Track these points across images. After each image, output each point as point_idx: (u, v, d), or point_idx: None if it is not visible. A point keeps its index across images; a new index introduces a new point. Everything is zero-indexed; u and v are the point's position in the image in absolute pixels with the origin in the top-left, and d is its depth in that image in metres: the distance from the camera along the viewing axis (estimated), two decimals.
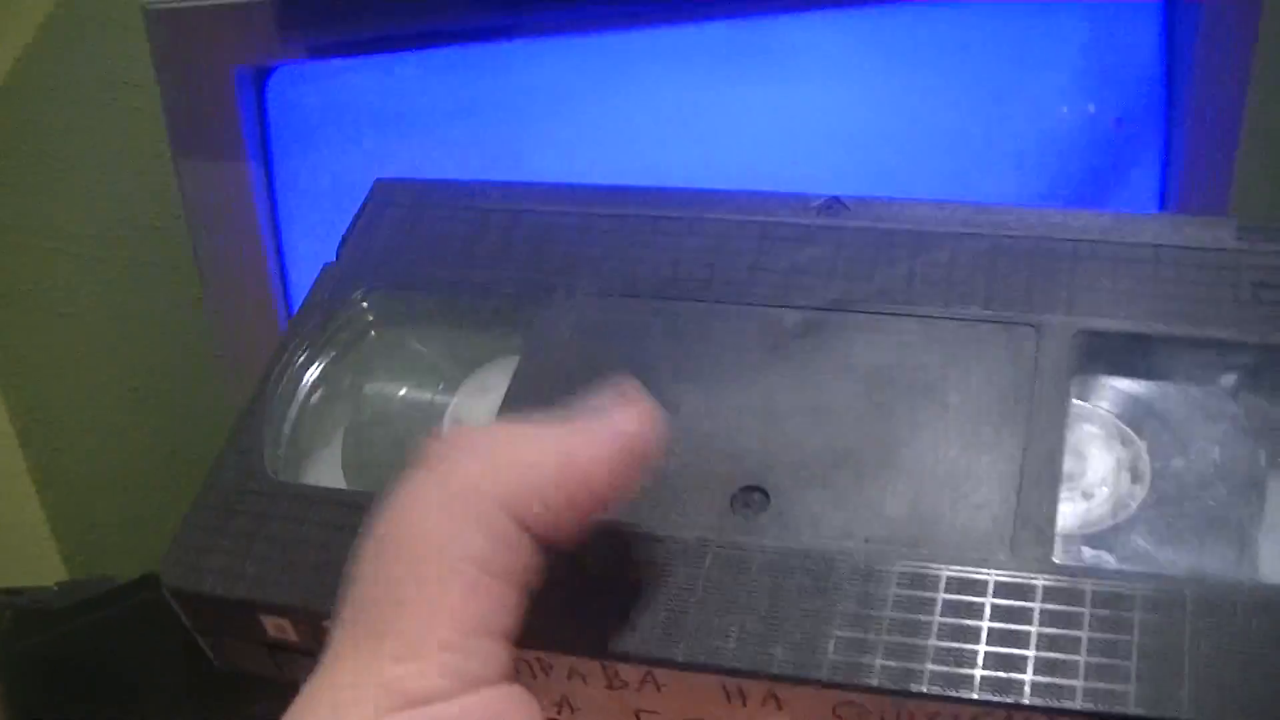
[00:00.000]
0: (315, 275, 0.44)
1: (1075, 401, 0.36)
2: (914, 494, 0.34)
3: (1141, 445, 0.36)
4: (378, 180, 0.47)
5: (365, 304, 0.43)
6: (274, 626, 0.37)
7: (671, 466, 0.36)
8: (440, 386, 0.42)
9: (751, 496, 0.35)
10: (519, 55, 0.65)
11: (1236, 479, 0.35)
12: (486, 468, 0.29)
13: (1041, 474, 0.34)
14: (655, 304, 0.40)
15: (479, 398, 0.41)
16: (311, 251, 0.47)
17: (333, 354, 0.42)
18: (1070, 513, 0.35)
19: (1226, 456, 0.35)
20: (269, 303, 0.68)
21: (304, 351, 0.42)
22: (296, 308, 0.44)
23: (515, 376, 0.39)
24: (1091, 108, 0.70)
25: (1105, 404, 0.37)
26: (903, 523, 0.34)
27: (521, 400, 0.38)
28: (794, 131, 0.68)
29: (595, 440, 0.30)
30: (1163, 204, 0.71)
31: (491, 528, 0.28)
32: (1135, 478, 0.35)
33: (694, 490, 0.36)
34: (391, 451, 0.40)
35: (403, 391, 0.42)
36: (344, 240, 0.45)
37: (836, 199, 0.42)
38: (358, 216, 0.46)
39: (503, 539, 0.28)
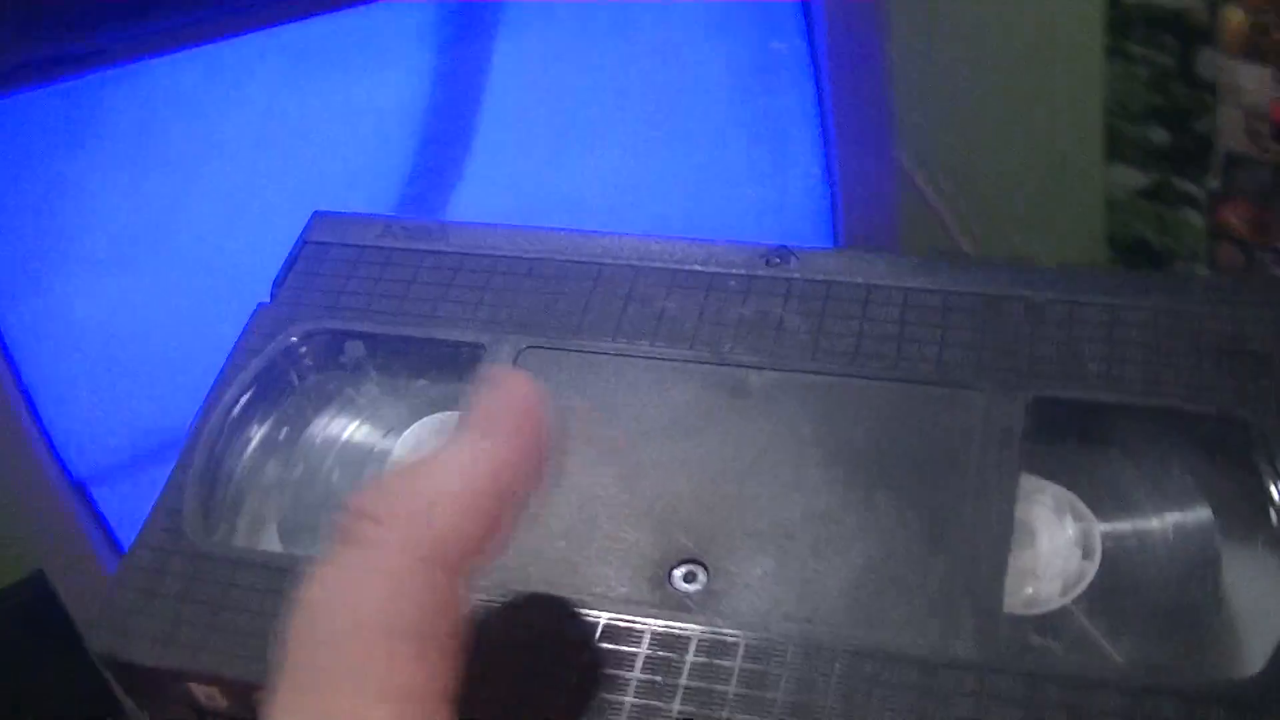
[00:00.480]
0: None
1: (1024, 474, 0.36)
2: (857, 570, 0.34)
3: (1093, 519, 0.35)
4: (315, 214, 0.46)
5: (302, 349, 0.42)
6: (204, 694, 0.35)
7: (605, 534, 0.35)
8: (378, 440, 0.40)
9: (689, 570, 0.34)
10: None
11: (1191, 556, 0.34)
12: (405, 531, 0.28)
13: (990, 551, 0.33)
14: (598, 357, 0.39)
15: (424, 443, 0.39)
16: None
17: (267, 403, 0.41)
18: (1018, 592, 0.34)
19: (1180, 532, 0.35)
20: None
21: (237, 399, 0.40)
22: None
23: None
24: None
25: (1055, 474, 0.36)
26: (844, 604, 0.33)
27: None
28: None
29: (499, 456, 0.29)
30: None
31: (418, 591, 0.28)
32: (1086, 554, 0.35)
33: (629, 560, 0.35)
34: (327, 512, 0.39)
35: (338, 447, 0.40)
36: (279, 278, 0.44)
37: (785, 248, 0.41)
38: (294, 253, 0.44)
39: (431, 599, 0.28)
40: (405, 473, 0.29)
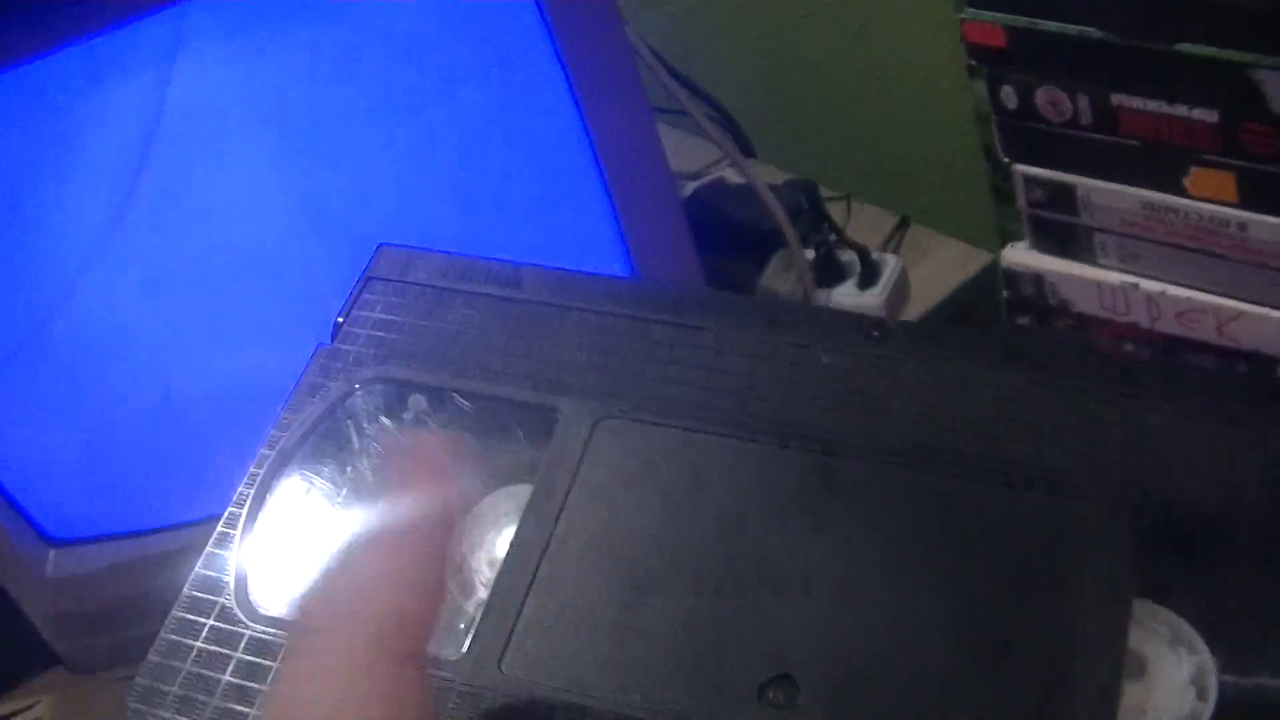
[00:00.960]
0: None
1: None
2: (943, 696, 0.31)
3: (1206, 653, 0.33)
4: (380, 246, 0.43)
5: (362, 399, 0.39)
6: None
7: (691, 647, 0.33)
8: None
9: (781, 686, 0.32)
10: None
11: None
12: (343, 632, 0.28)
13: (1108, 686, 0.31)
14: (678, 434, 0.37)
15: (489, 528, 0.37)
16: None
17: (322, 457, 0.38)
18: None
19: None
20: None
21: (288, 453, 0.38)
22: None
23: (527, 511, 0.36)
24: None
25: (1169, 598, 0.34)
26: None
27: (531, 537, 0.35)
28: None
29: (430, 534, 0.30)
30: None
31: (382, 683, 0.28)
32: (1200, 694, 0.32)
33: (717, 677, 0.32)
34: None
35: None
36: (340, 318, 0.41)
37: (882, 323, 0.38)
38: (356, 291, 0.42)
39: (396, 690, 0.28)
40: (340, 572, 0.30)
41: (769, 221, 0.79)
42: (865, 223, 0.90)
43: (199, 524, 0.52)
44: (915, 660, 0.32)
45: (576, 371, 0.38)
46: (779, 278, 0.82)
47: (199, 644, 0.35)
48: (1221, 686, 0.32)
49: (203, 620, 0.35)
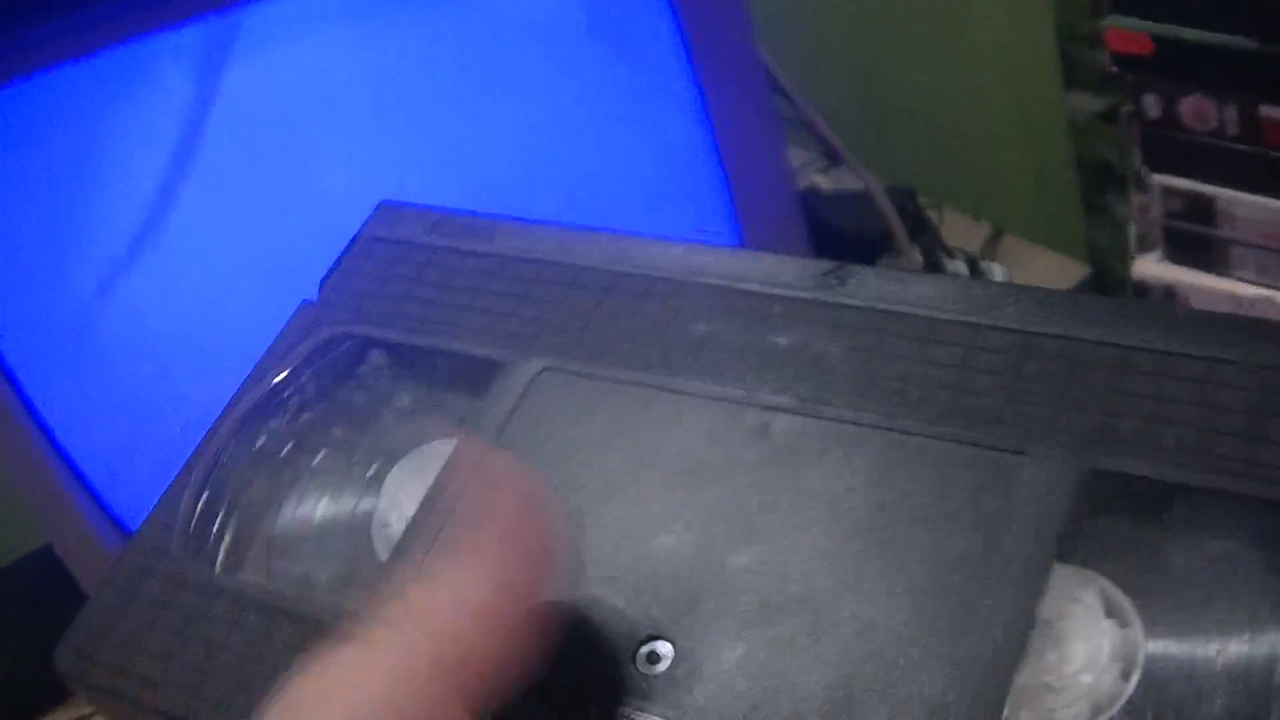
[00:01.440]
0: None
1: (1065, 564, 0.30)
2: (844, 668, 0.29)
3: (1139, 628, 0.29)
4: (381, 204, 0.43)
5: (324, 356, 0.39)
6: None
7: (578, 591, 0.31)
8: (378, 466, 0.37)
9: (653, 650, 0.30)
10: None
11: (1253, 678, 0.28)
12: (414, 641, 0.27)
13: (1002, 657, 0.28)
14: (617, 385, 0.35)
15: (416, 478, 0.36)
16: None
17: (281, 414, 0.39)
18: (1035, 707, 0.28)
19: (1242, 647, 0.28)
20: None
21: (249, 408, 0.38)
22: None
23: (444, 468, 0.35)
24: None
25: (1101, 565, 0.30)
26: (821, 708, 0.28)
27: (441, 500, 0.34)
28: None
29: (507, 574, 0.28)
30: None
31: (414, 701, 0.26)
32: (1125, 671, 0.29)
33: (595, 629, 0.31)
34: (311, 543, 0.36)
35: (337, 470, 0.38)
36: (327, 274, 0.41)
37: (842, 265, 0.36)
38: (346, 250, 0.42)
39: (425, 712, 0.26)
40: (424, 583, 0.28)
41: (869, 228, 0.76)
42: (956, 231, 0.87)
43: None
44: (809, 627, 0.30)
45: (534, 325, 0.37)
46: None
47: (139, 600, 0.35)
48: (1150, 661, 0.28)
49: (150, 573, 0.35)
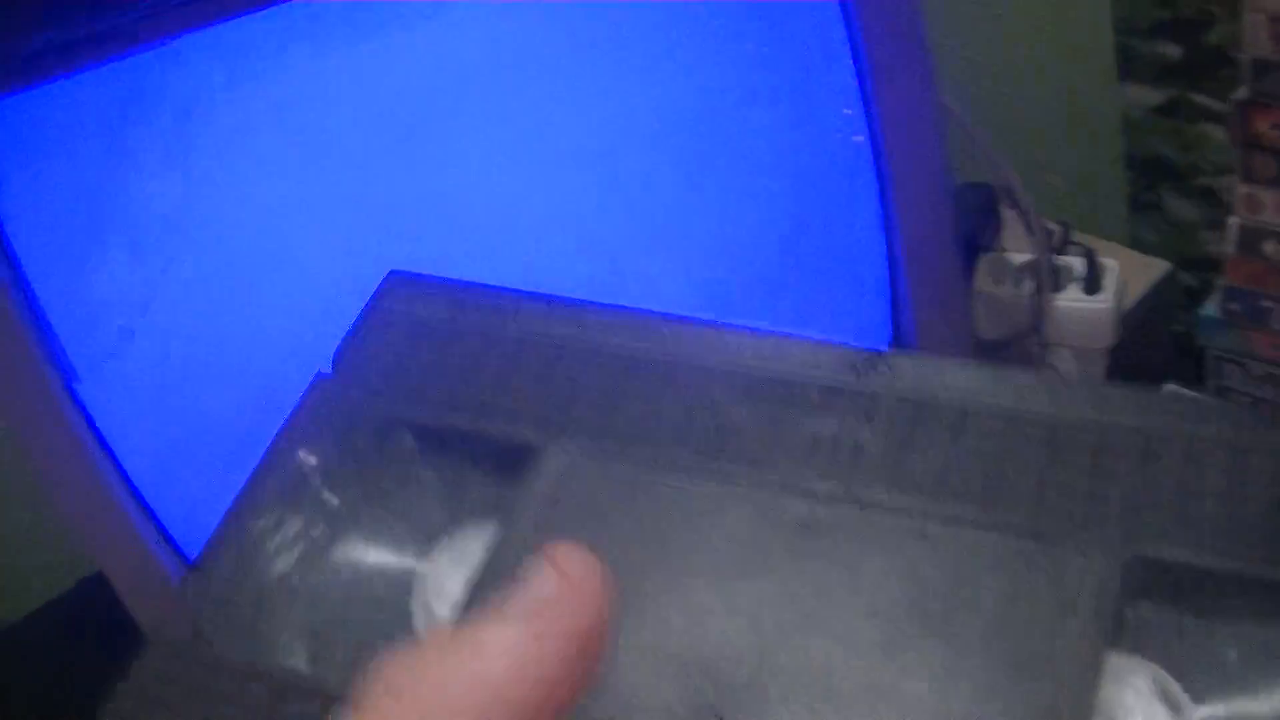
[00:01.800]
0: None
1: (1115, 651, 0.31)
2: None
3: (1193, 712, 0.30)
4: (391, 273, 0.43)
5: (355, 436, 0.39)
6: None
7: (627, 684, 0.31)
8: (414, 552, 0.37)
9: None
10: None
11: None
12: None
13: None
14: (649, 474, 0.36)
15: (453, 569, 0.36)
16: None
17: (309, 494, 0.38)
18: None
19: None
20: None
21: (276, 488, 0.38)
22: None
23: (491, 552, 0.35)
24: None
25: (1148, 651, 0.31)
26: None
27: (494, 580, 0.34)
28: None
29: (549, 649, 0.26)
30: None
31: None
32: None
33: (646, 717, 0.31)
34: (357, 630, 0.36)
35: (374, 553, 0.38)
36: (341, 348, 0.41)
37: (877, 353, 0.37)
38: (360, 321, 0.42)
39: None
40: (444, 650, 0.26)
41: (968, 225, 0.77)
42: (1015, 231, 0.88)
43: None
44: (874, 692, 0.30)
45: (563, 409, 0.38)
46: (993, 282, 0.81)
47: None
48: None
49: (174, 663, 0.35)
